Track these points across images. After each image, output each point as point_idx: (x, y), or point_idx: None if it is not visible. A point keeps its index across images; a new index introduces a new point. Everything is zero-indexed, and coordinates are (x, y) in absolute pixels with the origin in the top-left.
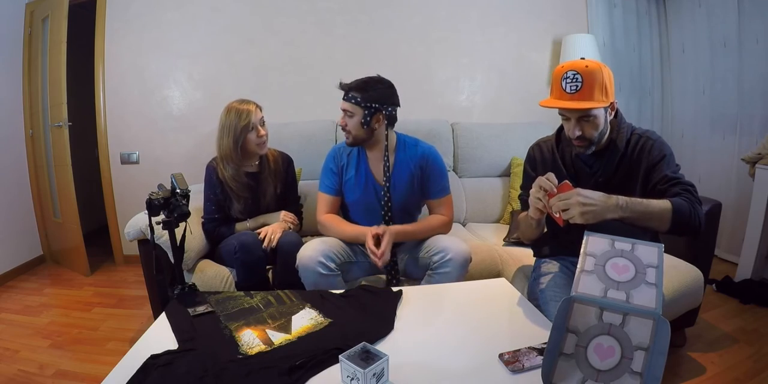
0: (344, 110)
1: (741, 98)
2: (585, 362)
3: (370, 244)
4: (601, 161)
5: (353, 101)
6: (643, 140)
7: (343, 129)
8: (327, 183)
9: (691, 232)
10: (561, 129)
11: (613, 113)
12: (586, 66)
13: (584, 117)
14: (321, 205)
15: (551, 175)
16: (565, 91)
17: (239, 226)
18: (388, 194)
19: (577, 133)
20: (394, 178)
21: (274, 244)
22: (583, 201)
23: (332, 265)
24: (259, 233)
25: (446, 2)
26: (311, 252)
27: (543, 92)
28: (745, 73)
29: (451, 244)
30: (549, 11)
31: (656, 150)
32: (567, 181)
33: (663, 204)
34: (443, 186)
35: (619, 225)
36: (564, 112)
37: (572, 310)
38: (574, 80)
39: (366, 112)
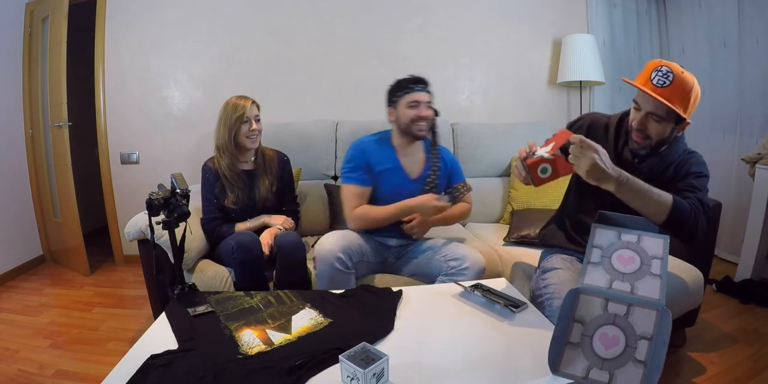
0: (428, 103)
1: (741, 98)
2: (590, 351)
3: (436, 201)
4: (651, 161)
5: (430, 93)
6: (690, 157)
7: (424, 119)
8: (354, 176)
9: (687, 235)
10: (624, 116)
11: (680, 133)
12: (683, 72)
13: (653, 114)
14: (352, 198)
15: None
16: (651, 81)
17: (240, 225)
18: (434, 189)
19: (640, 126)
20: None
21: (267, 251)
22: (596, 155)
23: (349, 263)
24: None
25: (446, 2)
26: (331, 245)
27: (543, 92)
28: (745, 73)
29: (469, 253)
30: (549, 11)
31: (695, 166)
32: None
33: (665, 195)
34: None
35: (626, 220)
36: (639, 100)
37: (578, 300)
38: (666, 76)
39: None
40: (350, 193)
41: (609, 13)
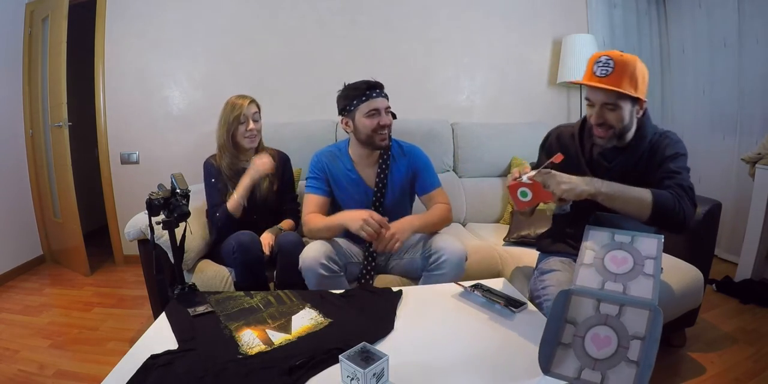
0: (387, 108)
1: (741, 98)
2: (582, 351)
3: (375, 216)
4: (619, 158)
5: (387, 99)
6: (662, 140)
7: (386, 127)
8: (312, 184)
9: (674, 226)
10: (584, 121)
11: (641, 112)
12: (622, 55)
13: (608, 104)
14: (307, 205)
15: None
16: (594, 74)
17: (230, 204)
18: (381, 199)
19: (599, 120)
20: (389, 181)
21: (267, 251)
22: (558, 180)
23: (335, 267)
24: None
25: (446, 2)
26: (314, 253)
27: (543, 92)
28: (745, 73)
29: (447, 244)
30: (549, 11)
31: (670, 148)
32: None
33: (644, 191)
34: (433, 180)
35: (621, 220)
36: (589, 96)
37: (570, 301)
38: (606, 65)
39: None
40: (307, 200)
41: (609, 13)
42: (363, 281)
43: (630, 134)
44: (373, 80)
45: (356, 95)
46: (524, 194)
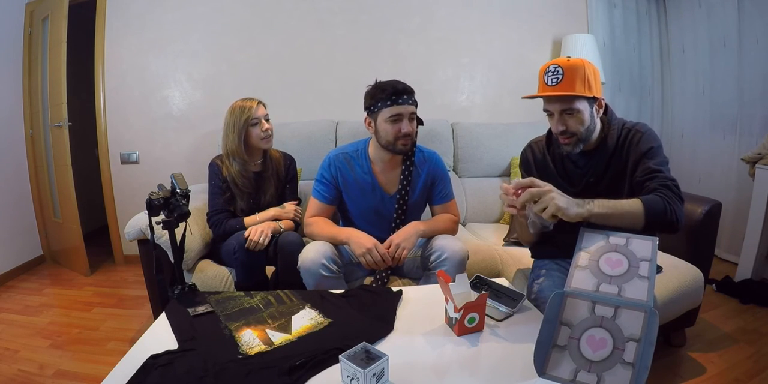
0: (412, 114)
1: (741, 98)
2: (578, 353)
3: (380, 249)
4: (591, 161)
5: (416, 105)
6: (632, 134)
7: (408, 136)
8: (320, 189)
9: (668, 229)
10: (549, 134)
11: (601, 111)
12: (568, 60)
13: (567, 110)
14: (310, 207)
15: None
16: (546, 84)
17: (248, 219)
18: (404, 206)
19: (561, 127)
20: (410, 188)
21: (262, 242)
22: (555, 193)
23: (335, 268)
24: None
25: (446, 2)
26: (314, 254)
27: None
28: (745, 73)
29: (447, 243)
30: (549, 11)
31: (644, 143)
32: None
33: (634, 203)
34: (448, 191)
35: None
36: (547, 107)
37: (565, 303)
38: (555, 73)
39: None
40: (311, 202)
41: (609, 13)
42: (379, 284)
43: (595, 135)
44: (402, 85)
45: (381, 98)
46: (472, 320)
